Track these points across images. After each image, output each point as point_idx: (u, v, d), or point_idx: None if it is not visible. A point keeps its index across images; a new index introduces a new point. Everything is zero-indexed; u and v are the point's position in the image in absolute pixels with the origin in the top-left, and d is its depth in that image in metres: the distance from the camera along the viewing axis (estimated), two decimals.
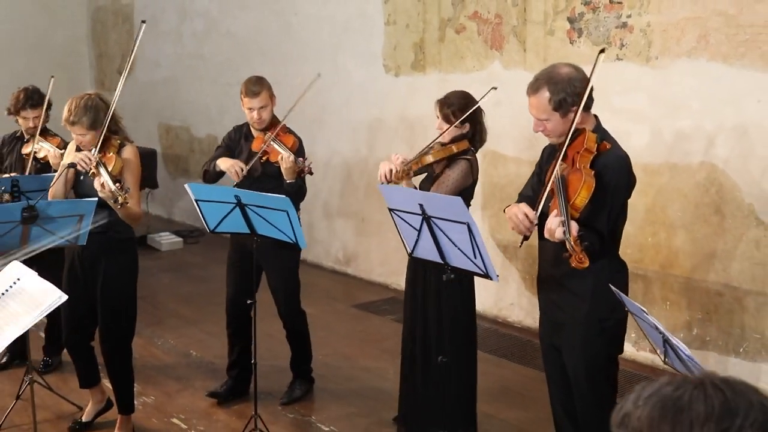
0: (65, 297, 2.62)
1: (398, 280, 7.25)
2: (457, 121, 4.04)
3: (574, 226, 2.96)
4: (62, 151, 5.03)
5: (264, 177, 4.63)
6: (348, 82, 7.53)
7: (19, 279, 2.64)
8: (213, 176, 4.77)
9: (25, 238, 3.52)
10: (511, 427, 4.64)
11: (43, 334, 5.56)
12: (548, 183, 3.22)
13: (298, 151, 4.67)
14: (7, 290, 2.60)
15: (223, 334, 5.30)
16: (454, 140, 4.12)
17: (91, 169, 3.87)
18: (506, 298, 6.46)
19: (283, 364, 5.11)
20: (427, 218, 3.27)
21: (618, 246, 3.44)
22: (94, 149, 3.95)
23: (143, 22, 4.48)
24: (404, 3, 6.88)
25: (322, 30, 7.77)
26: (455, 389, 4.01)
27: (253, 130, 4.81)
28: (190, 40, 9.70)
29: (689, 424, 1.18)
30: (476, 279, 6.20)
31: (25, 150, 5.21)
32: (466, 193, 4.07)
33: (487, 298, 6.56)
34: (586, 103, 3.24)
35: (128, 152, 4.15)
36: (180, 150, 10.10)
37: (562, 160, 3.16)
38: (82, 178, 4.10)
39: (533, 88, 3.31)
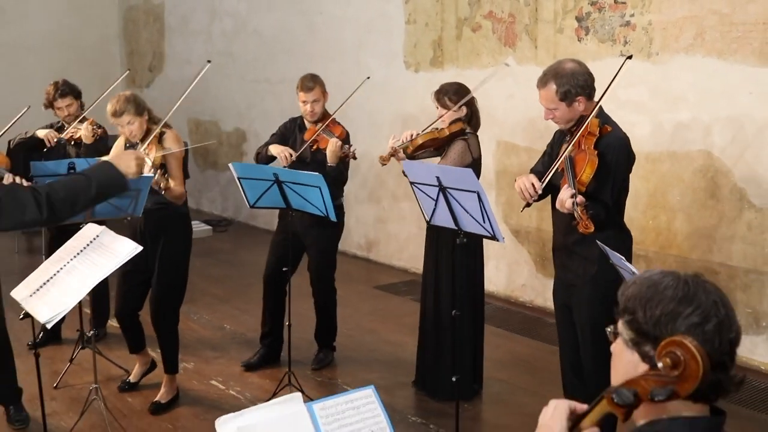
0: (140, 248, 3.07)
1: (417, 264, 7.67)
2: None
3: (581, 198, 3.41)
4: (93, 126, 5.54)
5: (313, 164, 5.05)
6: (370, 79, 7.95)
7: (97, 236, 3.10)
8: (264, 159, 5.19)
9: (90, 209, 3.97)
10: (520, 389, 5.07)
11: (88, 310, 6.04)
12: (557, 162, 3.67)
13: (345, 140, 5.15)
14: (88, 245, 3.05)
15: (254, 311, 5.88)
16: (451, 123, 4.61)
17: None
18: (518, 279, 6.89)
19: (312, 338, 5.56)
20: (443, 189, 3.72)
21: (622, 217, 3.88)
22: (139, 144, 4.38)
23: (209, 61, 4.84)
24: (423, 3, 7.33)
25: (345, 29, 8.23)
26: (467, 342, 4.50)
27: (306, 122, 5.26)
28: (220, 39, 10.19)
29: (657, 302, 1.62)
30: (491, 262, 6.71)
31: (66, 136, 5.70)
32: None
33: (500, 279, 7.00)
34: (589, 92, 3.71)
35: (169, 141, 4.56)
36: None
37: (572, 142, 3.62)
38: None
39: (542, 82, 3.77)
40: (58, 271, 3.01)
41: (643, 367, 1.62)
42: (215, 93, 10.23)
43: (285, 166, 4.89)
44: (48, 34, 11.22)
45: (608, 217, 3.57)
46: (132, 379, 5.10)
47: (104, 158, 3.02)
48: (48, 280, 2.99)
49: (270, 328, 5.44)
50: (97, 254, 2.99)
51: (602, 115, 3.79)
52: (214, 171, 10.55)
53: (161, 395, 4.84)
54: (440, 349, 4.69)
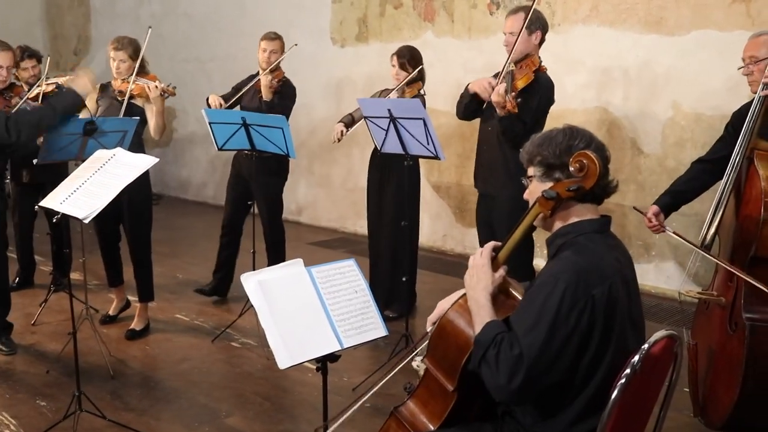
0: (157, 159, 3.67)
1: (344, 224, 8.42)
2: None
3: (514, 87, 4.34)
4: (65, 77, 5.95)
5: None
6: (299, 54, 8.58)
7: (114, 155, 3.67)
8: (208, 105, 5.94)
9: (82, 149, 4.50)
10: None
11: (51, 266, 6.52)
12: (501, 75, 4.55)
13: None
14: (108, 161, 3.62)
15: (201, 263, 6.79)
16: (409, 83, 5.35)
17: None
18: (440, 230, 7.69)
19: None
20: (393, 119, 4.44)
21: None
22: (132, 75, 5.06)
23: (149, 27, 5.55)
24: None
25: (275, 8, 8.87)
26: (409, 246, 5.28)
27: (260, 71, 5.85)
28: (148, 21, 10.61)
29: (554, 144, 2.38)
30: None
31: (31, 95, 6.07)
32: None
33: (423, 231, 7.73)
34: (543, 34, 4.62)
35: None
36: None
37: (517, 65, 4.49)
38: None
39: (513, 12, 4.68)
40: (82, 184, 3.58)
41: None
42: None
43: None
44: None
45: (525, 133, 4.34)
46: (111, 312, 5.67)
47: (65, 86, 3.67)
48: (75, 191, 3.55)
49: (223, 262, 6.13)
50: (117, 169, 3.57)
51: (541, 59, 4.65)
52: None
53: (135, 323, 5.42)
54: (391, 262, 5.45)
